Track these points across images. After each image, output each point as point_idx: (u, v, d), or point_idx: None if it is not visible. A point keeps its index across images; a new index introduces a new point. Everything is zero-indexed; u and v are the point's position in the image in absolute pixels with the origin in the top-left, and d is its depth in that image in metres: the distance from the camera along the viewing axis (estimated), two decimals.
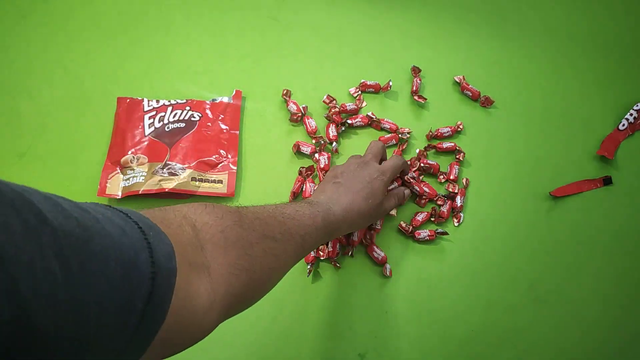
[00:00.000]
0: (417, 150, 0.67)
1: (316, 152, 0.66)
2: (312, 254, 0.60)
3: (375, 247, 0.61)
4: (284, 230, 0.43)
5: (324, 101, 0.69)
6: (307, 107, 0.69)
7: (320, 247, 0.61)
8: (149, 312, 0.26)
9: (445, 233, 0.63)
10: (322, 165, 0.65)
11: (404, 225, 0.63)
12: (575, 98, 0.74)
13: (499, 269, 0.63)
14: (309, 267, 0.60)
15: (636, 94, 0.74)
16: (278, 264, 0.42)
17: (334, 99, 0.69)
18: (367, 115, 0.68)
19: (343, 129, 0.68)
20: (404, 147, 0.68)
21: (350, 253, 0.61)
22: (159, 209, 0.34)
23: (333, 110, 0.68)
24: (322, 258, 0.60)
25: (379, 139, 0.67)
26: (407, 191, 0.62)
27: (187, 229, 0.33)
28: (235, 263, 0.36)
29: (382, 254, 0.61)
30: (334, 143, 0.67)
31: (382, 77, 0.72)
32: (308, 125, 0.68)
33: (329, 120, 0.68)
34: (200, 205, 0.37)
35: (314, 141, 0.67)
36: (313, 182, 0.64)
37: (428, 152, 0.68)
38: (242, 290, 0.37)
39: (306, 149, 0.66)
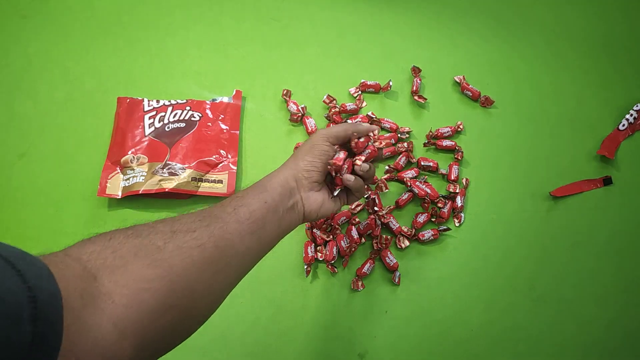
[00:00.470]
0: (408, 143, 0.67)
1: None
2: (311, 254, 0.60)
3: (389, 253, 0.61)
4: (204, 216, 0.38)
5: (324, 101, 0.69)
6: (306, 107, 0.69)
7: (319, 247, 0.61)
8: (40, 334, 0.24)
9: (448, 229, 0.63)
10: None
11: (405, 230, 0.63)
12: (576, 98, 0.74)
13: (499, 269, 0.63)
14: (307, 267, 0.60)
15: (636, 94, 0.74)
16: (209, 253, 0.36)
17: (334, 99, 0.69)
18: (367, 115, 0.68)
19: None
20: (410, 148, 0.68)
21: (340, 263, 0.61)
22: (40, 256, 0.31)
23: (333, 110, 0.68)
24: (320, 259, 0.60)
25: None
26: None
27: (72, 264, 0.30)
28: (142, 276, 0.32)
29: (395, 261, 0.61)
30: None
31: (382, 77, 0.72)
32: (308, 125, 0.68)
33: (329, 120, 0.68)
34: (84, 239, 0.34)
35: None
36: None
37: (427, 148, 0.69)
38: (165, 301, 0.32)
39: None
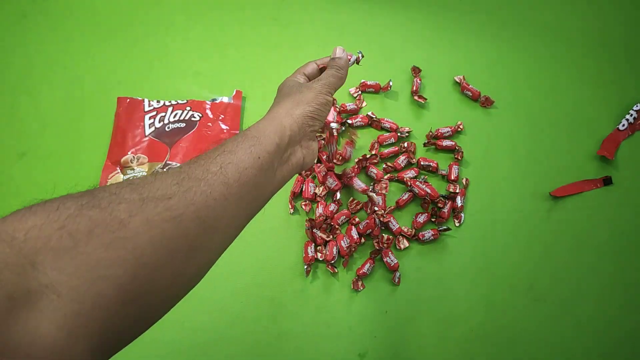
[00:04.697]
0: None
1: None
2: (311, 254, 0.60)
3: (390, 253, 0.61)
4: (182, 177, 0.31)
5: None
6: None
7: (319, 247, 0.61)
8: None
9: (448, 229, 0.63)
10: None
11: (405, 230, 0.63)
12: (576, 98, 0.74)
13: (499, 269, 0.63)
14: (307, 267, 0.60)
15: (636, 94, 0.74)
16: (187, 227, 0.29)
17: (334, 99, 0.69)
18: (367, 115, 0.68)
19: (343, 128, 0.68)
20: (412, 149, 0.68)
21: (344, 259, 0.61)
22: None
23: (334, 111, 0.68)
24: (320, 259, 0.60)
25: (378, 138, 0.67)
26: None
27: (1, 246, 0.23)
28: (98, 261, 0.25)
29: (395, 261, 0.61)
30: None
31: (382, 77, 0.72)
32: None
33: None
34: (24, 208, 0.26)
35: None
36: (313, 182, 0.64)
37: (427, 148, 0.69)
38: (128, 291, 0.26)
39: None
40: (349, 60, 0.52)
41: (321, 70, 0.51)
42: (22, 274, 0.23)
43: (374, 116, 0.68)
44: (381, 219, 0.62)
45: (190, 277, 0.31)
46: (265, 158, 0.37)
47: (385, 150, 0.67)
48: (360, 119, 0.68)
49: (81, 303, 0.24)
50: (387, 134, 0.68)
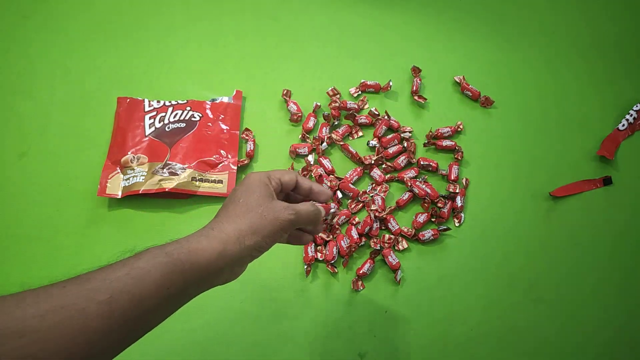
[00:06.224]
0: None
1: (310, 154, 0.67)
2: (311, 254, 0.60)
3: (391, 252, 0.61)
4: (55, 305, 0.26)
5: (328, 92, 0.69)
6: (317, 107, 0.69)
7: (319, 247, 0.61)
8: None
9: (448, 229, 0.63)
10: (312, 163, 0.65)
11: (405, 230, 0.63)
12: (575, 98, 0.74)
13: (499, 269, 0.63)
14: (307, 267, 0.60)
15: (636, 94, 0.74)
16: None
17: (338, 93, 0.69)
18: (370, 110, 0.68)
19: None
20: (412, 149, 0.68)
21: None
22: None
23: (334, 104, 0.68)
24: (320, 259, 0.60)
25: (382, 140, 0.67)
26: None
27: None
28: None
29: (397, 260, 0.61)
30: (324, 143, 0.67)
31: (382, 77, 0.72)
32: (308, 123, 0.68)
33: (327, 120, 0.68)
34: None
35: (304, 139, 0.67)
36: None
37: (427, 148, 0.69)
38: None
39: (302, 150, 0.66)
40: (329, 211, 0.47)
41: (296, 189, 0.43)
42: None
43: (377, 112, 0.68)
44: (376, 214, 0.62)
45: None
46: (178, 288, 0.31)
47: (390, 151, 0.67)
48: (365, 118, 0.69)
49: None
50: (390, 135, 0.68)
